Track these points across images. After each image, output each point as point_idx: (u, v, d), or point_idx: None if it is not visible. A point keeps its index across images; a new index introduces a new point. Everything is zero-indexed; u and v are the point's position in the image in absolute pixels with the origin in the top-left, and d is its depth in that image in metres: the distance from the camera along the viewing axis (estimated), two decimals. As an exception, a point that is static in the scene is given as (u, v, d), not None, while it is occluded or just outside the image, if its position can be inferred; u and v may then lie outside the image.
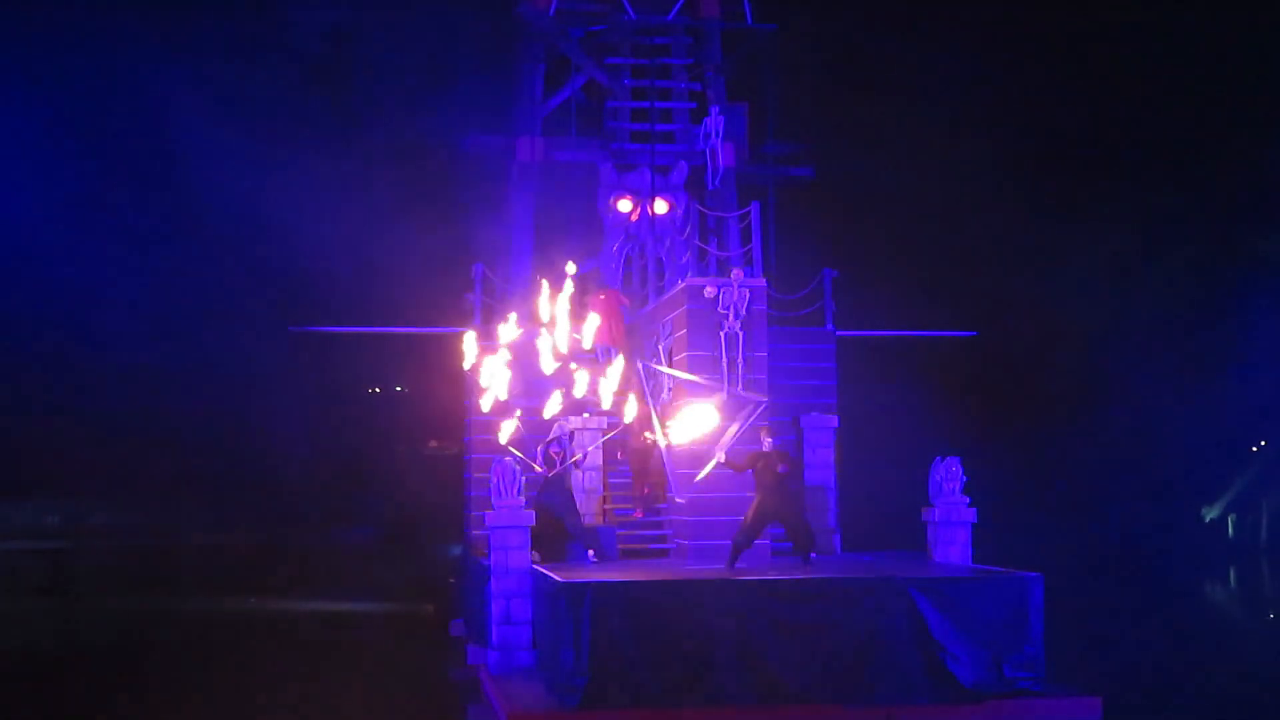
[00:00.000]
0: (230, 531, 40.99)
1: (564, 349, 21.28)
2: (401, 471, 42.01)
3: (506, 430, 20.53)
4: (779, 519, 18.98)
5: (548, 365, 21.01)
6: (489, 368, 20.85)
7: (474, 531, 24.07)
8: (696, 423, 19.74)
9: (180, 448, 38.92)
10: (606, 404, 21.40)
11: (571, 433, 21.40)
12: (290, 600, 30.06)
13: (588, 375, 20.81)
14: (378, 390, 45.66)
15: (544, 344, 21.04)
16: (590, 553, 20.14)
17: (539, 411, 21.42)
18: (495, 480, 18.91)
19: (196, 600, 30.53)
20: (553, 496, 20.27)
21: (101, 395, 37.79)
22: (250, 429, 37.74)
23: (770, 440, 19.14)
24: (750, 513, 18.67)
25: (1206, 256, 39.52)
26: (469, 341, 21.84)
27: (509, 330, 21.47)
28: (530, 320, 22.32)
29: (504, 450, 20.23)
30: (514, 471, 18.96)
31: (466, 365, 21.89)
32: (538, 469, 20.48)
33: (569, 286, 21.27)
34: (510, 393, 20.99)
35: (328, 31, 29.65)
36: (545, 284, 22.19)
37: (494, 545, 18.65)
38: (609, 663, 15.38)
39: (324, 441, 40.59)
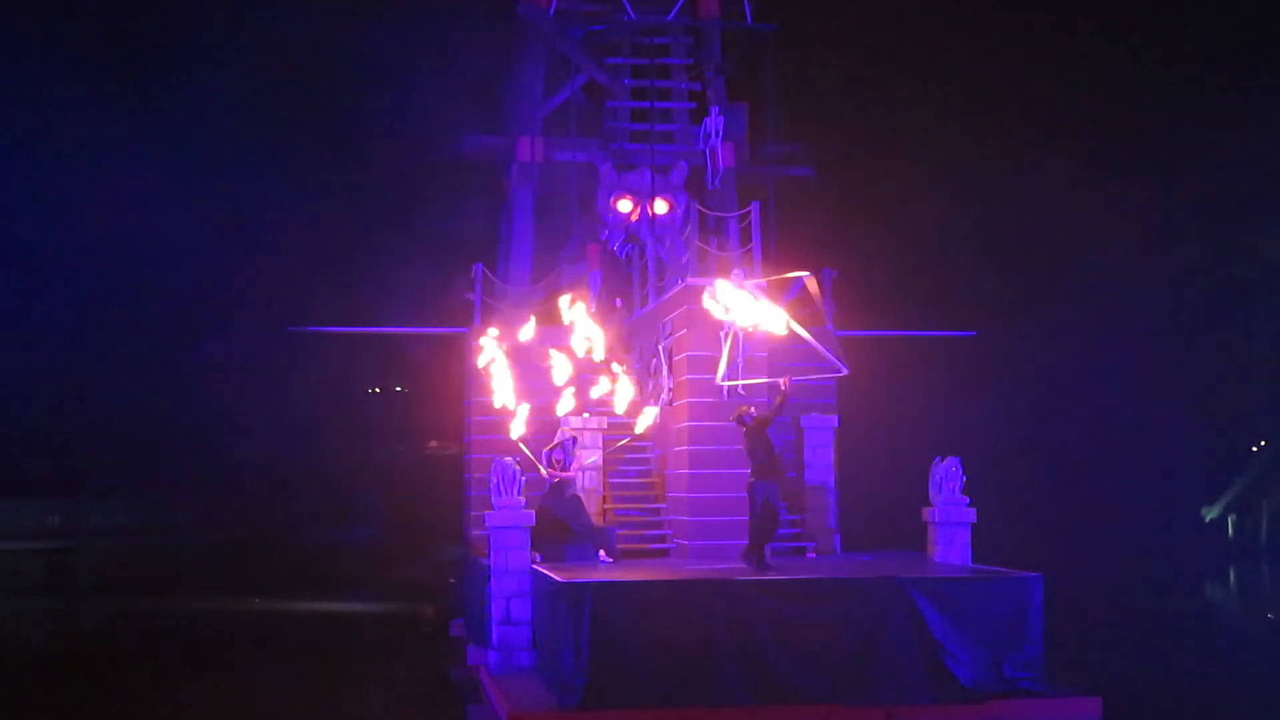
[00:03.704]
0: (230, 532, 40.91)
1: (580, 354, 21.35)
2: (401, 471, 41.97)
3: (518, 423, 20.53)
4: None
5: (561, 375, 21.05)
6: (499, 367, 20.89)
7: (474, 531, 24.07)
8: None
9: (180, 448, 38.89)
10: (621, 409, 21.43)
11: (574, 438, 21.39)
12: (290, 600, 30.03)
13: (609, 382, 20.92)
14: (378, 390, 45.63)
15: (558, 359, 21.08)
16: (601, 553, 20.12)
17: (548, 410, 21.45)
18: (495, 480, 18.91)
19: (197, 600, 30.50)
20: (556, 501, 20.27)
21: (102, 395, 37.77)
22: (250, 429, 37.72)
23: (750, 409, 18.22)
24: (753, 500, 17.91)
25: (1207, 256, 39.50)
26: (486, 342, 21.72)
27: (528, 331, 21.54)
28: (543, 321, 22.44)
29: (513, 446, 20.23)
30: (514, 471, 18.96)
31: (481, 363, 21.86)
32: (544, 473, 20.47)
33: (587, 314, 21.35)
34: (519, 392, 21.01)
35: (328, 32, 29.67)
36: (571, 298, 22.30)
37: (494, 545, 18.65)
38: (609, 663, 15.37)
39: (324, 442, 40.57)
